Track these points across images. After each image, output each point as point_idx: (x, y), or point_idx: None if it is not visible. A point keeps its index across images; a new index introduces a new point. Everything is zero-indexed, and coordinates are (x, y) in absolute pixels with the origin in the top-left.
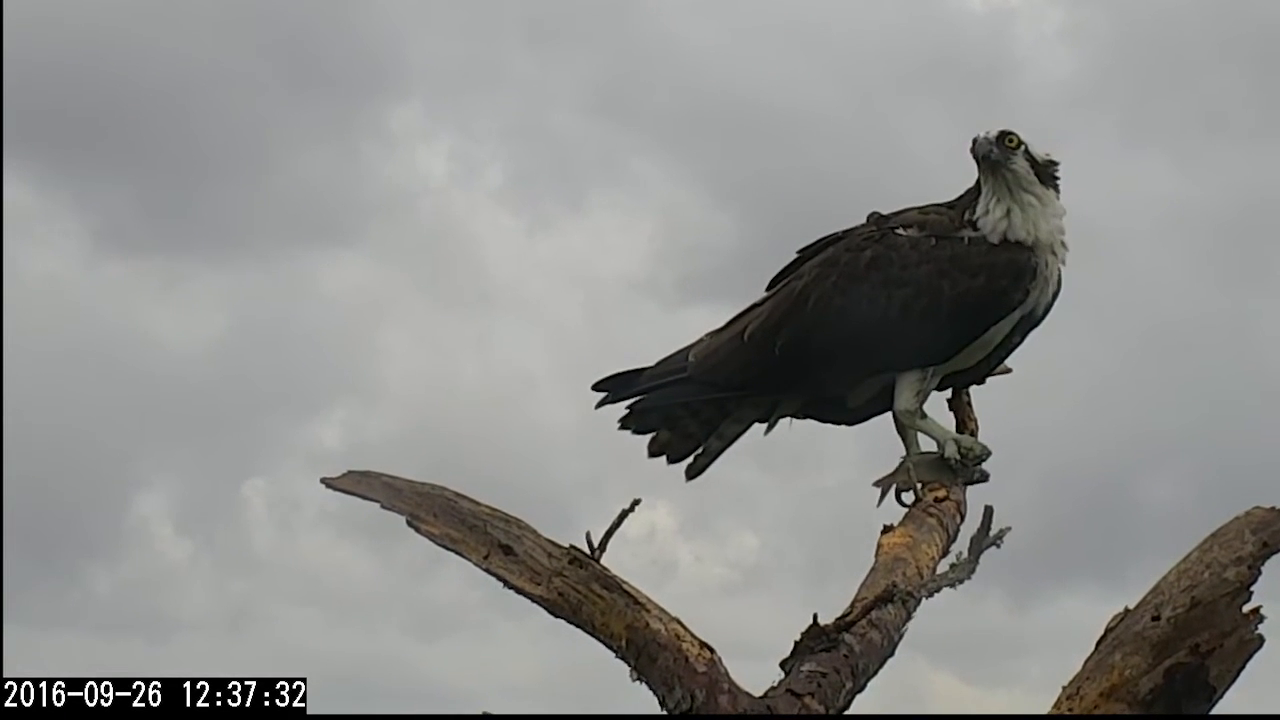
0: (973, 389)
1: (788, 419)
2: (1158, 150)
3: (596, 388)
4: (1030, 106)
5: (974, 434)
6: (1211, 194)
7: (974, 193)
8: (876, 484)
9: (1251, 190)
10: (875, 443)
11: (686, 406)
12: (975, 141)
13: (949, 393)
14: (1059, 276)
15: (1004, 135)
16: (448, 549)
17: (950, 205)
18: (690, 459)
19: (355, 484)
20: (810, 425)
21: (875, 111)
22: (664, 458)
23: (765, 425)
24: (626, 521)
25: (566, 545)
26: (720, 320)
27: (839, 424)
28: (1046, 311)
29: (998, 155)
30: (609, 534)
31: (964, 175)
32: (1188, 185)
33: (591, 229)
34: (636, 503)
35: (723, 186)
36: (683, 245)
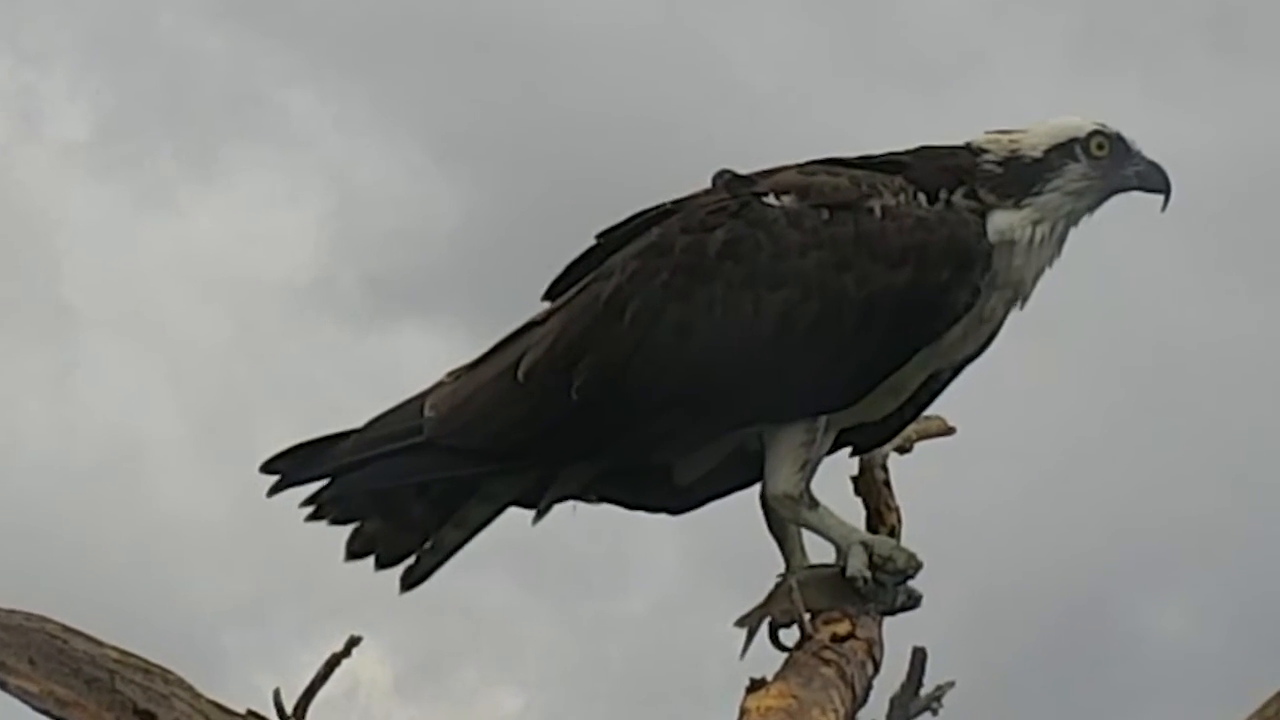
0: (892, 459)
1: (570, 500)
2: (1133, 75)
3: (268, 469)
4: (932, 11)
5: (895, 532)
6: (1222, 143)
7: (991, 177)
8: (741, 622)
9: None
10: (716, 541)
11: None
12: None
13: (854, 465)
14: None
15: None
16: (52, 716)
17: (862, 163)
18: (411, 560)
19: None
20: (609, 512)
21: (688, 19)
22: (371, 559)
23: (535, 511)
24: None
25: (243, 711)
26: (450, 347)
27: (657, 511)
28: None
29: None
30: (311, 692)
31: (837, 115)
32: (1184, 130)
33: (230, 204)
34: (355, 642)
35: (442, 138)
36: (376, 230)
